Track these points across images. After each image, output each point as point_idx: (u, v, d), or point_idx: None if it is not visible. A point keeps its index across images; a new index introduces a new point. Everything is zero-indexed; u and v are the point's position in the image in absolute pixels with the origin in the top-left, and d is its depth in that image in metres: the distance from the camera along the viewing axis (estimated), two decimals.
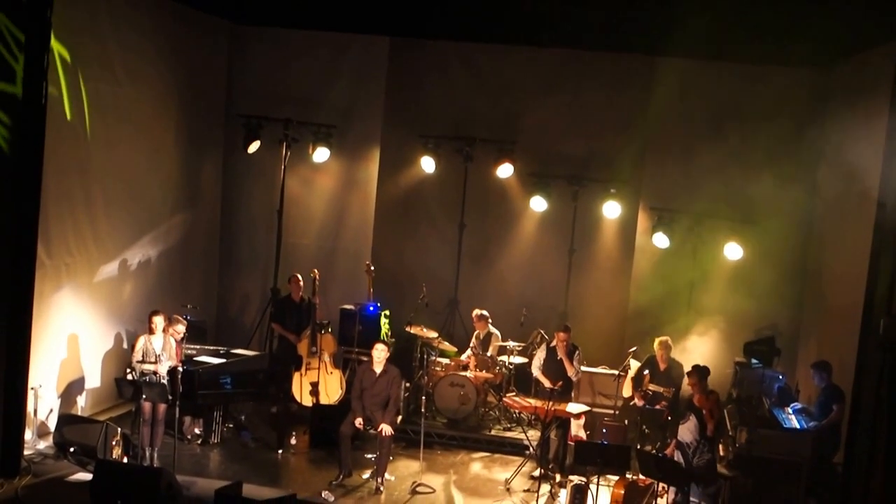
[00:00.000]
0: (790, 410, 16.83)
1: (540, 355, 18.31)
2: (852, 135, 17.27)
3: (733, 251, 19.95)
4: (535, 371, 18.27)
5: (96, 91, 17.45)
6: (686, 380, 17.77)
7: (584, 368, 18.54)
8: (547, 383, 17.75)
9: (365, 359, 17.49)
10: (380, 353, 16.61)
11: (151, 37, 19.17)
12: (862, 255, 15.27)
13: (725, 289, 20.38)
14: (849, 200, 17.67)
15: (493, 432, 19.35)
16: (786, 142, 19.75)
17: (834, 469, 15.99)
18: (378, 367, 16.57)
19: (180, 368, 16.17)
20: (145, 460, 16.11)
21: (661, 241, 20.50)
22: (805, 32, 17.03)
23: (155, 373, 15.95)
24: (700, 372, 15.73)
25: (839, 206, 18.36)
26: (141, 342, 16.23)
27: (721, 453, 16.15)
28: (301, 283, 20.17)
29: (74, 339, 17.62)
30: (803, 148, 19.61)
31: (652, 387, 17.77)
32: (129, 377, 16.03)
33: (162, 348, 16.19)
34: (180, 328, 16.85)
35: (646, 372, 18.03)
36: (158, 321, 16.24)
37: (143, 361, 16.03)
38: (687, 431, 15.37)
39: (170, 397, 15.86)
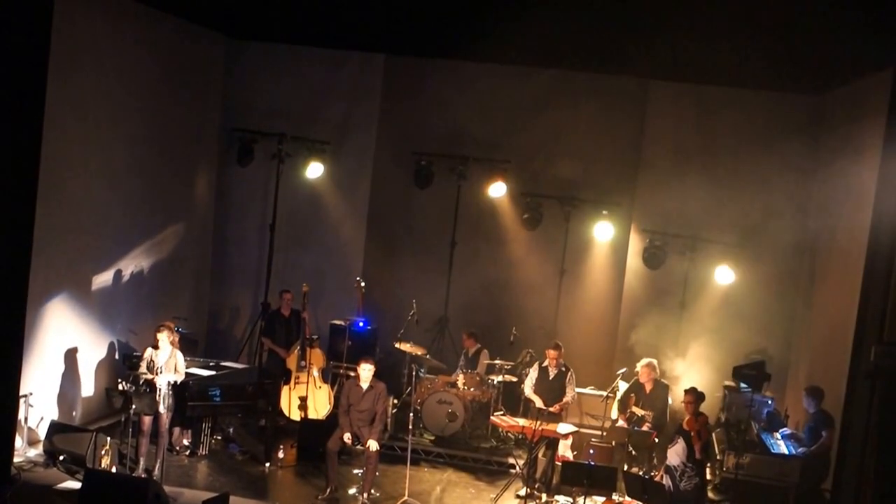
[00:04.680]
0: (779, 436, 16.83)
1: (532, 375, 18.30)
2: (846, 161, 17.28)
3: (725, 275, 19.98)
4: (528, 391, 18.23)
5: (93, 103, 17.44)
6: (671, 401, 17.87)
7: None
8: (539, 402, 17.71)
9: (353, 374, 17.39)
10: (365, 373, 16.49)
11: (148, 50, 19.15)
12: (854, 281, 15.27)
13: (716, 312, 20.37)
14: (842, 226, 17.70)
15: (480, 450, 19.27)
16: (779, 167, 19.71)
17: (822, 495, 15.97)
18: (364, 384, 16.48)
19: (171, 380, 16.11)
20: (136, 471, 16.04)
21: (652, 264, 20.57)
22: (800, 59, 17.05)
23: (150, 383, 15.89)
24: (697, 394, 15.72)
25: (832, 232, 18.36)
26: (147, 354, 16.31)
27: (708, 477, 16.10)
28: (291, 297, 20.12)
29: (67, 349, 17.60)
30: (797, 173, 19.61)
31: (634, 409, 17.73)
32: (120, 387, 16.00)
33: (164, 361, 16.15)
34: (176, 340, 16.82)
35: (631, 394, 17.98)
36: (161, 336, 16.26)
37: (146, 372, 16.09)
38: (674, 454, 15.36)
39: (160, 409, 15.85)
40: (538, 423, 16.66)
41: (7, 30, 14.25)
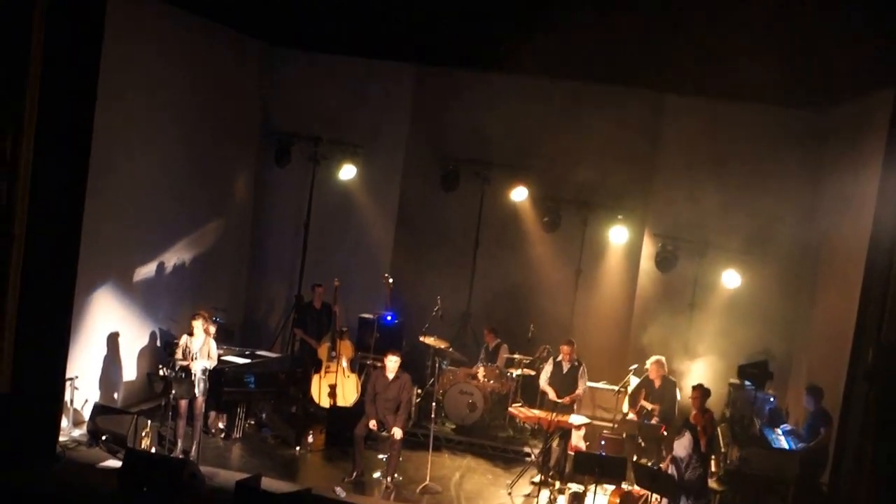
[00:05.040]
0: (780, 431, 16.77)
1: (547, 369, 18.29)
2: (848, 174, 17.27)
3: (731, 279, 19.92)
4: (543, 383, 18.25)
5: (141, 106, 17.59)
6: (679, 397, 17.83)
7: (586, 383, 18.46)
8: (552, 394, 17.73)
9: (381, 365, 17.43)
10: (392, 364, 16.57)
11: (194, 57, 19.32)
12: (853, 287, 15.21)
13: (723, 313, 20.32)
14: (842, 235, 17.64)
15: (498, 439, 19.32)
16: (785, 178, 19.79)
17: (820, 488, 15.90)
18: (391, 375, 16.52)
19: (205, 366, 16.18)
20: (174, 452, 16.13)
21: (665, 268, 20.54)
22: (807, 77, 17.02)
23: (186, 369, 15.96)
24: (703, 390, 15.69)
25: (833, 240, 18.31)
26: (182, 341, 16.35)
27: (713, 469, 16.09)
28: (323, 291, 20.17)
29: (111, 336, 17.71)
30: (802, 184, 19.63)
31: (644, 403, 17.73)
32: (161, 373, 16.10)
33: (199, 348, 16.20)
34: (212, 329, 16.87)
35: (641, 389, 17.98)
36: (196, 324, 16.29)
37: (182, 359, 16.12)
38: (681, 447, 15.28)
39: (196, 394, 15.96)
40: (554, 414, 16.67)
41: (63, 34, 14.36)
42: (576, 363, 18.05)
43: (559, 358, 18.17)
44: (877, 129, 15.62)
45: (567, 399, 17.70)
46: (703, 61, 16.94)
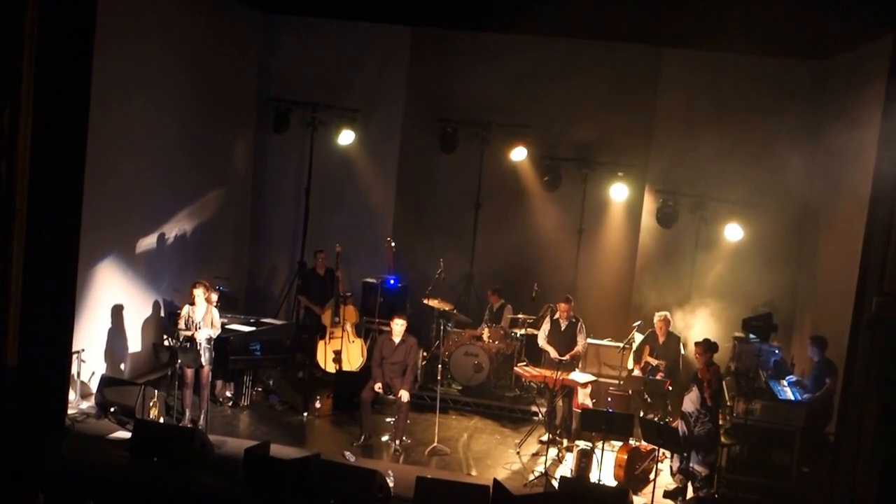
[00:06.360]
0: (785, 383, 16.80)
1: (545, 327, 18.33)
2: (849, 123, 17.20)
3: (733, 232, 19.93)
4: (542, 341, 18.28)
5: (137, 74, 17.50)
6: (683, 352, 17.88)
7: (590, 341, 18.48)
8: (553, 353, 17.78)
9: (385, 329, 17.48)
10: (398, 327, 16.59)
11: (189, 24, 19.25)
12: (856, 237, 15.20)
13: (726, 267, 20.35)
14: (844, 185, 17.60)
15: (504, 399, 19.41)
16: (785, 129, 19.79)
17: (826, 438, 15.95)
18: (397, 339, 16.56)
19: (209, 335, 16.22)
20: (183, 421, 16.20)
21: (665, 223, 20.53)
22: (805, 26, 17.00)
23: (191, 339, 16.00)
24: (708, 346, 15.66)
25: (835, 191, 18.30)
26: (185, 311, 16.36)
27: (720, 422, 16.11)
28: (325, 256, 20.23)
29: (115, 307, 17.73)
30: (802, 134, 19.62)
31: (649, 359, 17.78)
32: (166, 343, 16.14)
33: (202, 317, 16.22)
34: (213, 297, 16.91)
35: (646, 345, 18.02)
36: (197, 293, 16.29)
37: (185, 329, 16.14)
38: (689, 401, 15.34)
39: (202, 363, 16.04)
40: (559, 372, 16.73)
41: (57, 3, 14.38)
42: (573, 320, 18.06)
43: (556, 315, 18.21)
44: (876, 77, 15.58)
45: (568, 356, 17.74)
46: (700, 13, 16.93)
